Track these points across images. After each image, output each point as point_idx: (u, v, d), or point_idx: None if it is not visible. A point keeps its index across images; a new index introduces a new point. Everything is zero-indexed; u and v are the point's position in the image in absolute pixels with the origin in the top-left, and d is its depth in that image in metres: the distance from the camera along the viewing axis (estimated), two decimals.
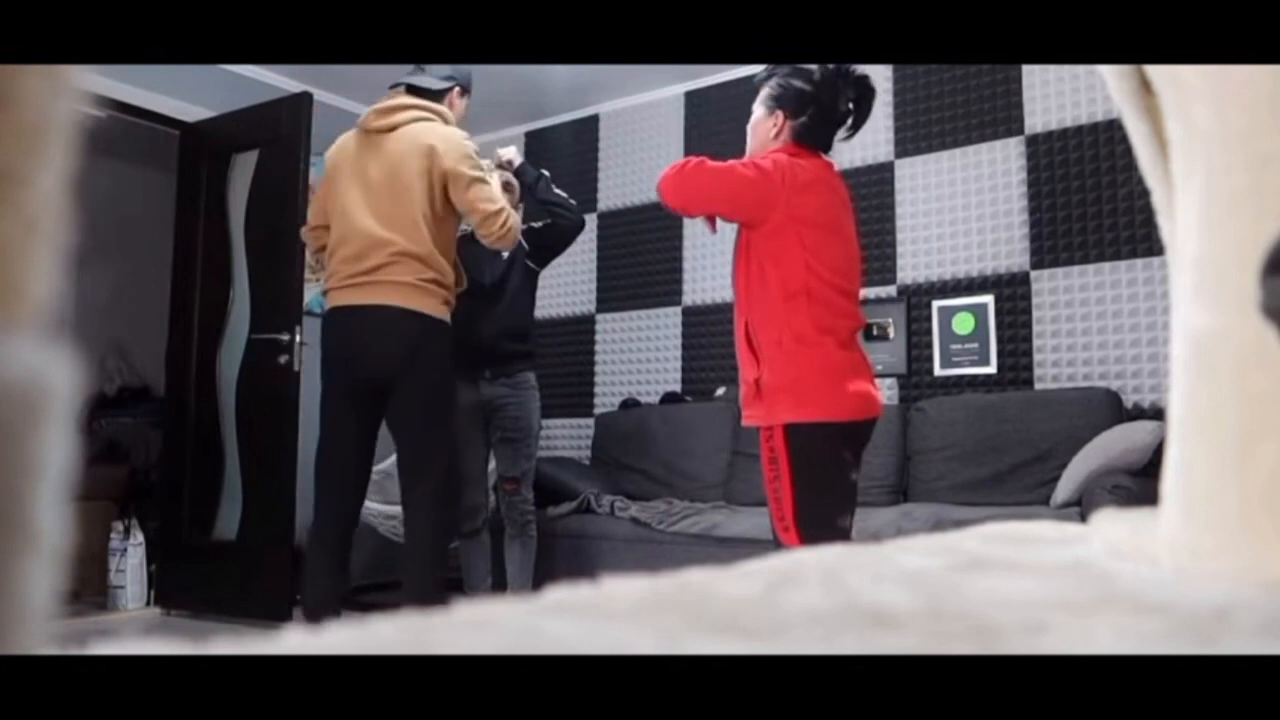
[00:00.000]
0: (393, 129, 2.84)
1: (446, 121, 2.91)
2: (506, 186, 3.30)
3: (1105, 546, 0.55)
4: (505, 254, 3.46)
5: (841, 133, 2.24)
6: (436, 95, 2.96)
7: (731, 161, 2.14)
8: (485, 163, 3.03)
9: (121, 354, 5.63)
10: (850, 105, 2.21)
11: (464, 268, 3.06)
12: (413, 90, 2.95)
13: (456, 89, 3.05)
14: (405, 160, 2.79)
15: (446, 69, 3.04)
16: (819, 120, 2.19)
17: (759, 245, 2.12)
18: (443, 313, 2.83)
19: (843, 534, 2.13)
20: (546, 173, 3.52)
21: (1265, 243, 0.45)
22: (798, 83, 2.19)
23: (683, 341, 4.75)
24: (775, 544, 2.11)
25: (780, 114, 2.21)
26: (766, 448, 2.11)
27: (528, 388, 3.50)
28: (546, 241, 3.58)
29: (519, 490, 3.51)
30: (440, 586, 2.81)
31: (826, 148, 2.24)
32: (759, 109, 2.26)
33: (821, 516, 2.08)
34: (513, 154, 3.42)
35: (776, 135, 2.21)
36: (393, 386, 2.77)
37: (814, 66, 2.22)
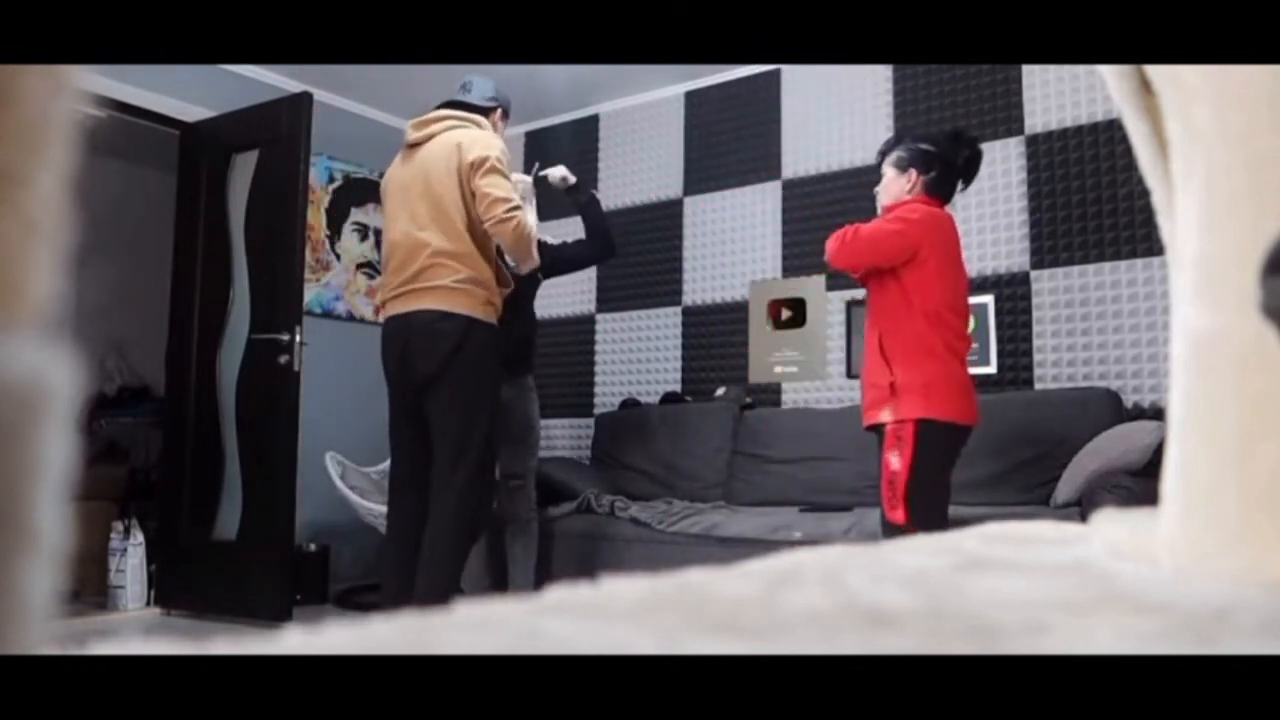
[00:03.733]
0: (430, 139, 2.93)
1: (480, 128, 2.96)
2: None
3: (1105, 546, 0.55)
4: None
5: (959, 186, 2.73)
6: (479, 111, 3.03)
7: (880, 222, 2.63)
8: (516, 176, 3.09)
9: (121, 354, 5.63)
10: (963, 162, 2.68)
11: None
12: (455, 106, 3.02)
13: (499, 110, 3.12)
14: (436, 161, 2.87)
15: (491, 90, 3.11)
16: (944, 175, 2.67)
17: (905, 276, 2.56)
18: (484, 313, 2.87)
19: (944, 519, 2.50)
20: (597, 195, 3.62)
21: (1265, 243, 0.45)
22: (923, 145, 2.68)
23: (683, 341, 4.75)
24: (884, 524, 2.54)
25: (913, 172, 2.66)
26: (894, 438, 2.51)
27: (528, 389, 3.56)
28: (567, 255, 3.63)
29: (523, 489, 3.52)
30: (453, 589, 2.81)
31: (948, 199, 2.72)
32: (889, 170, 2.71)
33: (929, 498, 2.49)
34: (565, 171, 3.54)
35: (910, 190, 2.66)
36: (434, 386, 2.84)
37: (932, 132, 2.81)
